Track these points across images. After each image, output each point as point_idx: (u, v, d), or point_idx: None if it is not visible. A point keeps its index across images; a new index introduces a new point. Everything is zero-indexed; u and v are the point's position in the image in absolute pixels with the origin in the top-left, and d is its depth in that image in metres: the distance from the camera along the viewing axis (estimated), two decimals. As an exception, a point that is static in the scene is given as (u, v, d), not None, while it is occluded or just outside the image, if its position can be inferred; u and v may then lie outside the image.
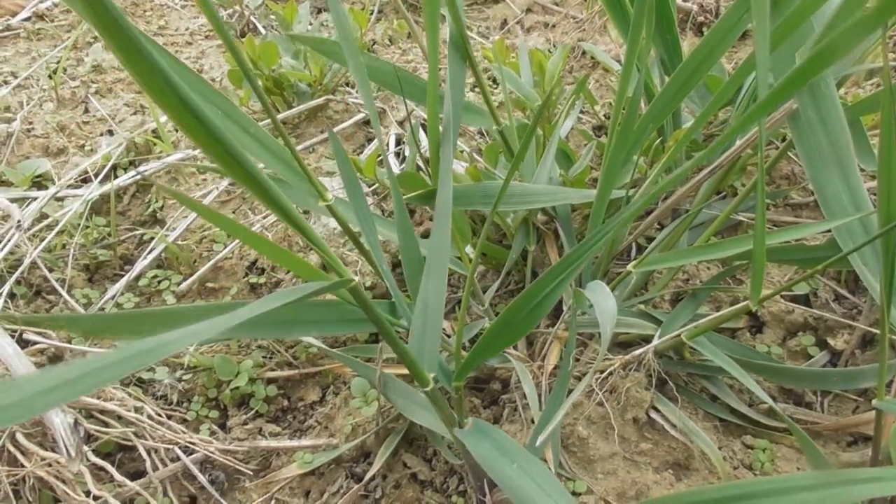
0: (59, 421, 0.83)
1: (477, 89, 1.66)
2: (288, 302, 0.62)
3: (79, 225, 1.32)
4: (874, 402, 0.78)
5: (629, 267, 0.92)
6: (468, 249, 1.15)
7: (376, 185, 1.34)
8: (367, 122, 1.57)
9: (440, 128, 0.91)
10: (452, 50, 0.94)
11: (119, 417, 0.97)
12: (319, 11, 2.27)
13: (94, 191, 1.35)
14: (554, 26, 1.97)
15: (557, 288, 0.74)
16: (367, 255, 0.91)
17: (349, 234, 0.87)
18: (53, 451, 0.90)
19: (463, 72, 0.97)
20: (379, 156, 1.42)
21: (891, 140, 0.66)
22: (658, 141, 1.13)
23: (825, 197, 0.83)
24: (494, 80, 1.69)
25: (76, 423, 0.84)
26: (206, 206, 0.63)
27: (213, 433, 1.04)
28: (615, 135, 0.97)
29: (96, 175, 1.42)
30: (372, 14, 2.06)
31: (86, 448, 0.89)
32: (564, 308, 1.04)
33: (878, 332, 1.00)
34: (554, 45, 1.87)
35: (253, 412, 1.07)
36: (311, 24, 2.04)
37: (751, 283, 0.78)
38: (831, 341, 1.01)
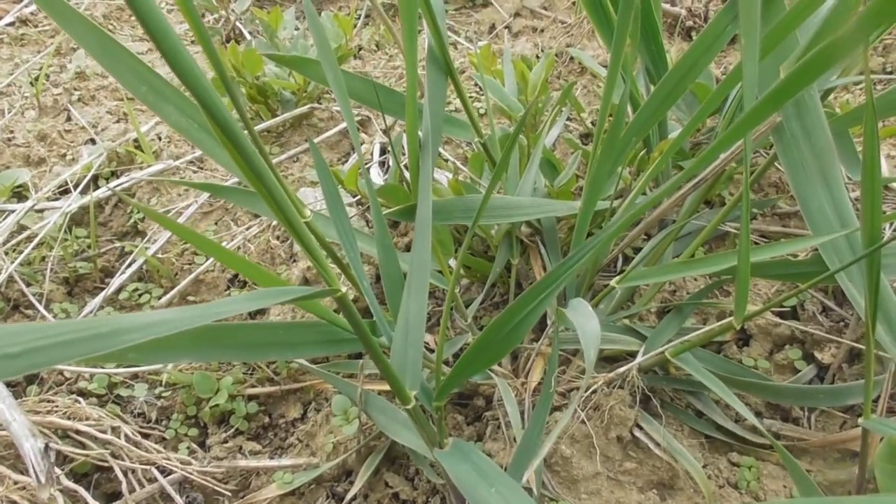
0: (29, 446, 0.81)
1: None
2: (269, 305, 0.60)
3: (58, 237, 1.30)
4: (860, 420, 0.77)
5: (612, 282, 0.90)
6: (451, 262, 1.14)
7: (360, 195, 1.32)
8: (352, 130, 1.55)
9: (419, 142, 0.90)
10: (431, 62, 0.93)
11: (95, 438, 0.95)
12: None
13: (73, 202, 1.33)
14: (542, 31, 1.95)
15: (538, 307, 0.73)
16: (347, 271, 0.90)
17: (328, 250, 0.85)
18: (27, 473, 0.88)
19: (444, 84, 0.95)
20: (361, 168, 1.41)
21: (874, 159, 0.65)
22: (643, 151, 1.12)
23: (809, 211, 0.81)
24: (481, 88, 1.67)
25: (47, 447, 0.82)
26: (180, 224, 0.62)
27: (192, 452, 1.02)
28: (600, 146, 0.95)
29: (76, 186, 1.40)
30: (359, 19, 2.04)
31: (59, 471, 0.87)
32: (549, 322, 1.03)
33: (864, 347, 0.99)
34: (542, 50, 1.86)
35: (233, 430, 1.05)
36: (297, 29, 2.01)
37: (735, 302, 0.77)
38: (818, 355, 0.99)
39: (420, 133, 0.91)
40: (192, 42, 2.14)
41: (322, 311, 0.78)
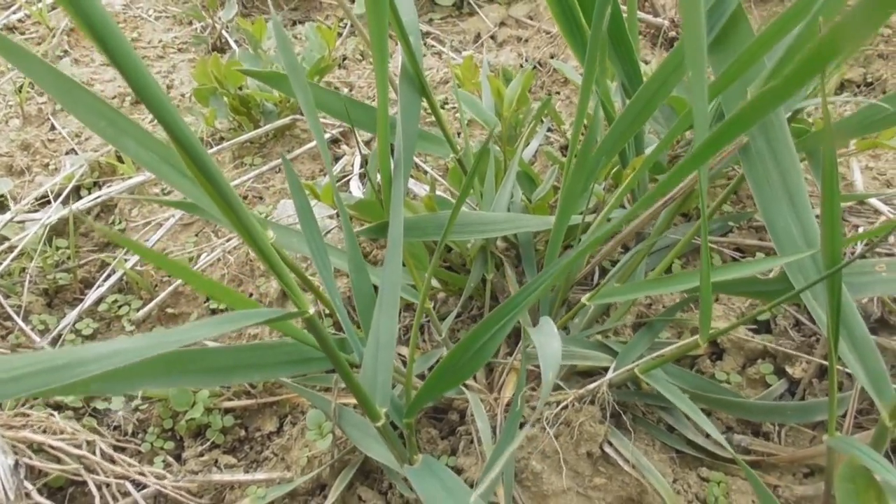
0: (-1, 463, 0.81)
1: (445, 108, 1.65)
2: (234, 329, 0.60)
3: (38, 248, 1.30)
4: (825, 437, 0.78)
5: (584, 299, 0.91)
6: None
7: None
8: (334, 142, 1.56)
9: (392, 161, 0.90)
10: (405, 79, 0.93)
11: (69, 452, 0.95)
12: (294, 24, 2.26)
13: (53, 213, 1.33)
14: (527, 41, 1.96)
15: (503, 328, 0.73)
16: (314, 289, 0.90)
17: (295, 270, 0.86)
18: (-1, 489, 0.89)
19: (417, 101, 0.96)
20: (340, 179, 1.41)
21: (832, 183, 0.66)
22: (618, 166, 1.13)
23: (776, 231, 0.82)
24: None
25: (17, 464, 0.83)
26: (142, 245, 0.62)
27: (167, 465, 1.02)
28: (572, 165, 0.96)
29: (56, 196, 1.40)
30: (344, 29, 2.05)
31: (31, 487, 0.88)
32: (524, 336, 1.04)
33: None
34: (526, 60, 1.87)
35: (209, 443, 1.05)
36: (282, 37, 2.02)
37: (700, 322, 0.77)
38: (790, 370, 1.00)
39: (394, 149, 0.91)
40: (180, 50, 2.15)
41: (292, 330, 0.78)
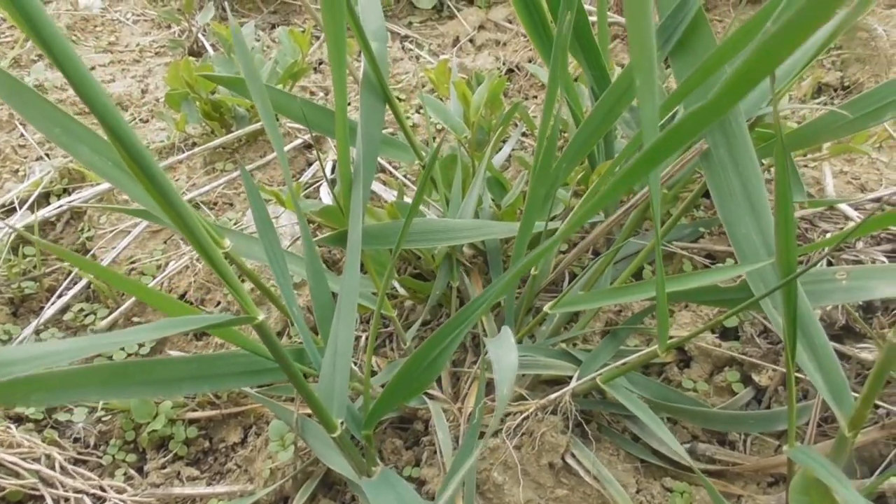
0: (-53, 479, 0.80)
1: (420, 112, 1.64)
2: (172, 334, 0.59)
3: (2, 257, 1.28)
4: (784, 448, 0.77)
5: (546, 308, 0.90)
6: (395, 283, 1.13)
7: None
8: (307, 147, 1.54)
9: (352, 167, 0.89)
10: (367, 87, 0.92)
11: (25, 467, 0.94)
12: (273, 27, 2.24)
13: (17, 220, 1.31)
14: (505, 44, 1.95)
15: (455, 339, 0.72)
16: (272, 297, 0.89)
17: (252, 278, 0.85)
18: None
19: (380, 107, 0.95)
20: (311, 185, 1.40)
21: (786, 194, 0.65)
22: (585, 171, 1.12)
23: (737, 238, 0.81)
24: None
25: (-35, 480, 0.81)
26: (96, 264, 0.61)
27: (129, 478, 1.01)
28: (535, 171, 0.95)
29: (21, 204, 1.38)
30: (322, 33, 2.04)
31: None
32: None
33: (797, 371, 0.99)
34: (504, 63, 1.86)
35: (172, 455, 1.04)
36: (258, 39, 2.01)
37: (657, 331, 0.77)
38: (756, 377, 0.99)
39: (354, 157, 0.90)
40: (157, 54, 2.13)
41: (242, 340, 0.77)
